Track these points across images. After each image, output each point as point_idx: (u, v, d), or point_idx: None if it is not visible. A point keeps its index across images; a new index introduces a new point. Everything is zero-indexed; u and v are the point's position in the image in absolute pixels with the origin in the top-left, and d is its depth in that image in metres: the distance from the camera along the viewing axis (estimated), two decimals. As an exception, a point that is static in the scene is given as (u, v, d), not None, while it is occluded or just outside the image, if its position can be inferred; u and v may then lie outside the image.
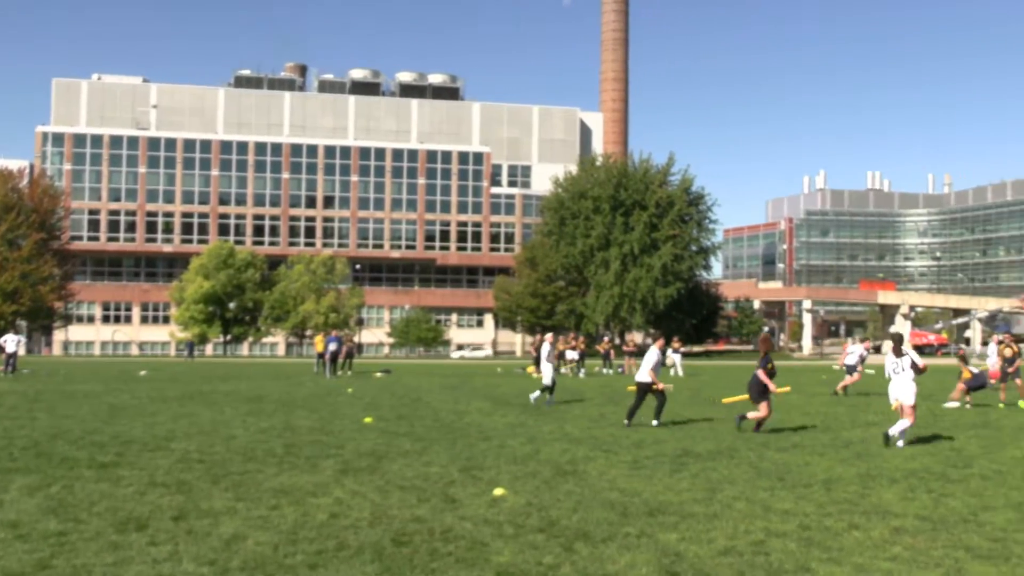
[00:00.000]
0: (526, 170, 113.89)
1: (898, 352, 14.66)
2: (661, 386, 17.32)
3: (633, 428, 16.78)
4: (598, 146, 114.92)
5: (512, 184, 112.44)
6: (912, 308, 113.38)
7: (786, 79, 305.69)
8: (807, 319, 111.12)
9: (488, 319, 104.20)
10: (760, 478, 11.10)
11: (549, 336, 24.59)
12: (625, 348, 44.82)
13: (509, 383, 32.51)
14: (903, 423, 14.14)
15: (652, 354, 17.16)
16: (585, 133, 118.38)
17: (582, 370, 39.91)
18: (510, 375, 39.66)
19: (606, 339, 46.83)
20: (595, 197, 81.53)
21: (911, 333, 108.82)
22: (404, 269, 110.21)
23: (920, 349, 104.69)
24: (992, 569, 6.98)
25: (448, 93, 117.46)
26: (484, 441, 14.64)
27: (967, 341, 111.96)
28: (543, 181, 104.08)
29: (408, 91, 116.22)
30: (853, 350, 28.59)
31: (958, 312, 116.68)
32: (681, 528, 8.30)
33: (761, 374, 15.72)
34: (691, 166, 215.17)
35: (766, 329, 23.56)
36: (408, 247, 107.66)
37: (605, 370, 41.89)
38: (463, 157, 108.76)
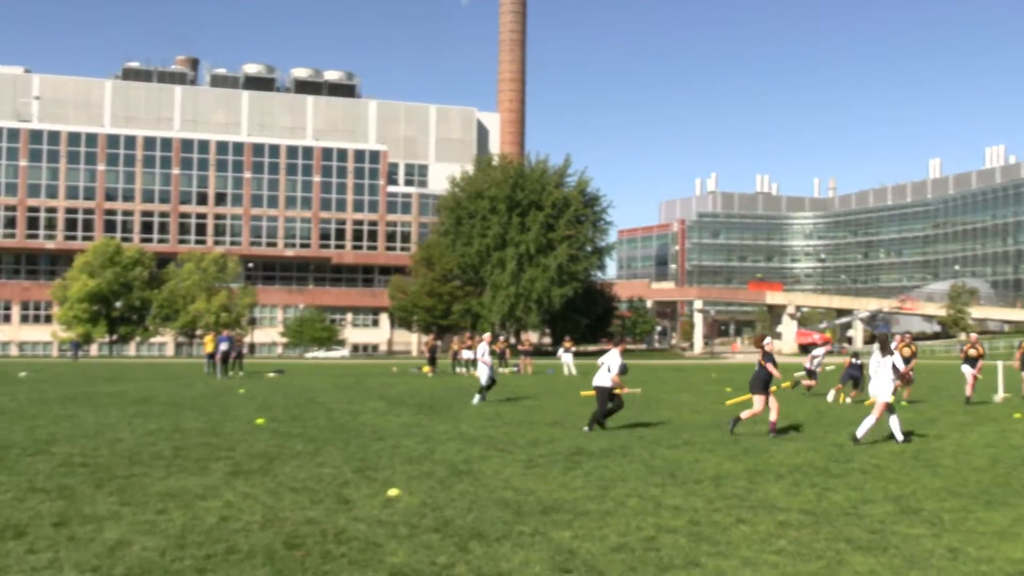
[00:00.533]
0: (423, 169, 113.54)
1: (884, 352, 15.08)
2: (627, 390, 17.25)
3: (529, 427, 16.86)
4: (495, 146, 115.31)
5: (409, 183, 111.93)
6: (798, 308, 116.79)
7: (679, 83, 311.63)
8: (698, 319, 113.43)
9: (384, 319, 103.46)
10: (652, 475, 11.28)
11: (487, 336, 24.61)
12: (520, 347, 45.03)
13: (404, 383, 32.36)
14: (869, 422, 14.58)
15: (615, 357, 16.41)
16: (482, 133, 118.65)
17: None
18: (405, 375, 39.48)
19: (501, 339, 46.99)
20: (492, 197, 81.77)
21: (797, 332, 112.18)
22: (298, 268, 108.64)
23: (805, 348, 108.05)
24: (871, 560, 7.23)
25: (344, 90, 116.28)
26: (378, 441, 14.54)
27: (849, 340, 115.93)
28: (440, 180, 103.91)
29: (303, 87, 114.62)
30: (817, 353, 28.74)
31: (841, 312, 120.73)
32: (574, 526, 8.38)
33: (770, 367, 15.71)
34: (588, 168, 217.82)
35: (761, 332, 23.71)
36: (303, 246, 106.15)
37: (500, 369, 42.01)
38: (359, 155, 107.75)
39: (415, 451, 13.39)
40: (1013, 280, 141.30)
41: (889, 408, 14.61)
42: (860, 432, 14.48)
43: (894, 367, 14.80)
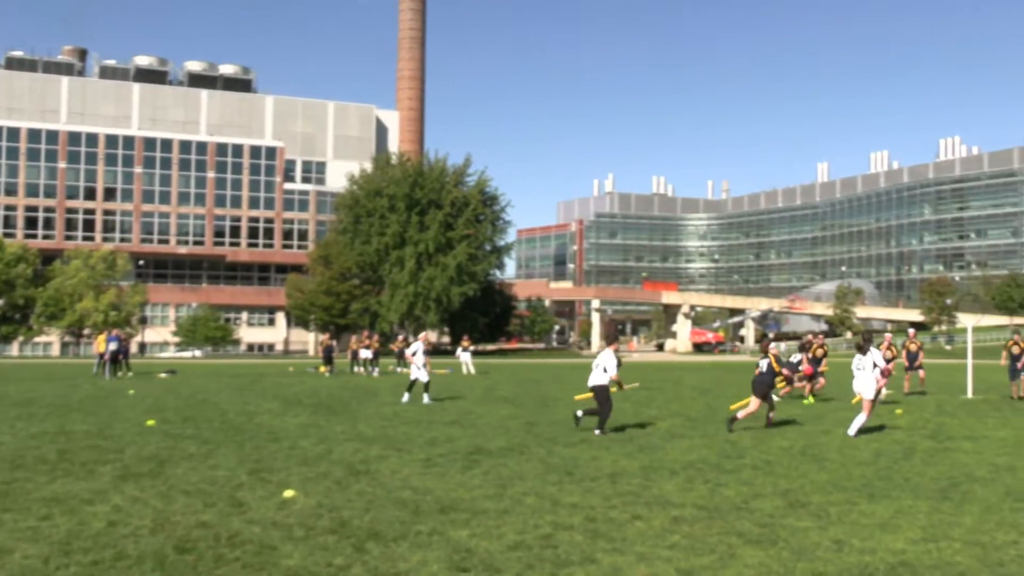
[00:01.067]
0: (320, 166, 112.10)
1: (863, 351, 15.83)
2: (627, 387, 17.30)
3: (427, 427, 16.82)
4: (394, 144, 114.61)
5: (306, 180, 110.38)
6: (693, 308, 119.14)
7: (577, 83, 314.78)
8: (596, 318, 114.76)
9: (280, 318, 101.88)
10: (549, 473, 11.37)
11: (423, 335, 24.23)
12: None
13: (301, 383, 31.92)
14: (861, 418, 15.40)
15: (611, 356, 16.20)
16: (381, 131, 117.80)
17: (376, 369, 39.69)
18: (302, 375, 38.96)
19: (400, 338, 46.72)
20: (391, 195, 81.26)
21: (691, 331, 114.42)
22: (191, 266, 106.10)
23: (699, 347, 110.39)
24: (761, 553, 7.43)
25: (240, 85, 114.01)
26: (274, 442, 14.31)
27: (741, 339, 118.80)
28: (338, 178, 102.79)
29: (197, 81, 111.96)
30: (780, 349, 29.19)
31: (734, 311, 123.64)
32: (472, 524, 8.40)
33: (782, 370, 16.40)
34: (487, 167, 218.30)
35: (771, 335, 23.43)
36: (196, 243, 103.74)
37: (400, 369, 41.80)
38: (255, 151, 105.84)
39: (312, 452, 13.23)
40: (895, 281, 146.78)
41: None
42: (852, 430, 15.21)
43: (875, 364, 15.65)
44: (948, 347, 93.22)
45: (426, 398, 22.43)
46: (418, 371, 22.46)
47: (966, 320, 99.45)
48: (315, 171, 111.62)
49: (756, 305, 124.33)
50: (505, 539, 7.86)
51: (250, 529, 8.17)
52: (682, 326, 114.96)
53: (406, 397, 22.64)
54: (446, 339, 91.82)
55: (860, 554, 7.38)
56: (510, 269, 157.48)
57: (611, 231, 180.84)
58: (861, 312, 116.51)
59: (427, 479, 10.91)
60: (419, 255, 79.76)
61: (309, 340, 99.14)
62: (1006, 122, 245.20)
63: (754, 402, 16.44)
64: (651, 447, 13.88)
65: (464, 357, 41.98)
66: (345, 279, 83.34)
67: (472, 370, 40.80)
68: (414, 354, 22.72)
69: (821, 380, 23.62)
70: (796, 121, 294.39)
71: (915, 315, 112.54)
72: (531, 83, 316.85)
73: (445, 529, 8.21)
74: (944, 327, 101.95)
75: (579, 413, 16.16)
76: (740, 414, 16.46)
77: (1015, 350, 23.29)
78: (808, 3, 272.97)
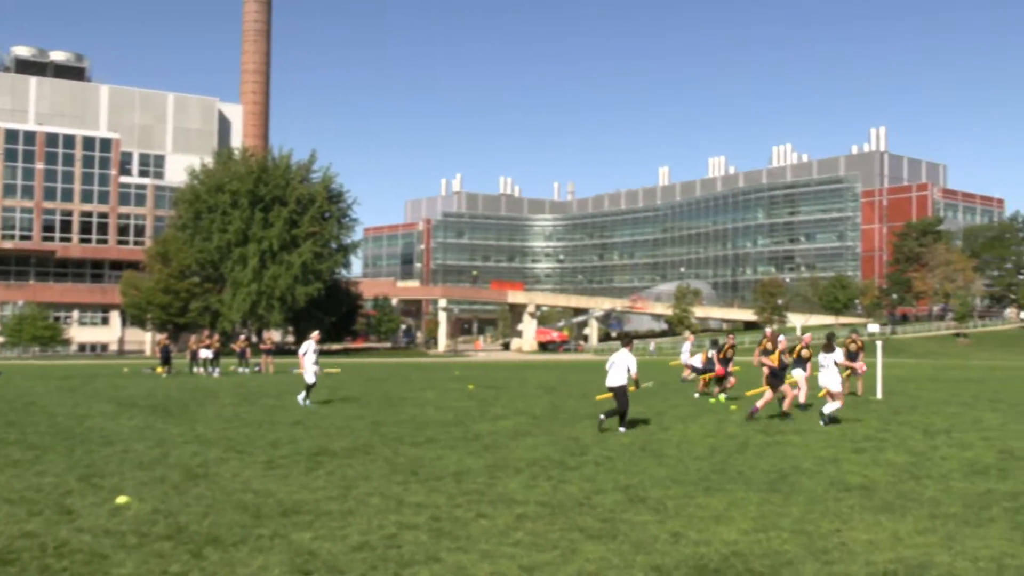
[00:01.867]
0: (159, 160, 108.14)
1: (829, 349, 17.49)
2: (643, 386, 17.71)
3: (270, 428, 16.47)
4: (237, 139, 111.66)
5: (144, 174, 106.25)
6: (538, 307, 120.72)
7: (425, 82, 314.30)
8: (443, 317, 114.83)
9: (115, 316, 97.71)
10: (395, 473, 11.32)
11: (315, 335, 23.15)
12: (262, 346, 43.82)
13: (136, 384, 30.72)
14: (834, 405, 17.04)
15: (629, 356, 16.48)
16: (224, 124, 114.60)
17: (216, 369, 38.60)
18: (138, 375, 37.51)
19: (242, 337, 45.57)
20: (233, 191, 79.12)
21: (537, 331, 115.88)
22: (18, 261, 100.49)
23: (544, 346, 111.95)
24: (602, 547, 7.59)
25: (72, 72, 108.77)
26: (107, 446, 13.73)
27: (585, 338, 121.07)
28: (178, 172, 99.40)
29: (25, 67, 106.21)
30: (685, 348, 29.59)
31: (578, 311, 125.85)
32: (315, 527, 8.27)
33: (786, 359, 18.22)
34: (332, 164, 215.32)
35: (769, 330, 23.00)
36: (23, 237, 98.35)
37: (241, 369, 40.77)
38: (88, 142, 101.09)
39: (147, 455, 12.76)
40: (731, 282, 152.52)
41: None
42: (824, 420, 16.95)
43: (836, 362, 17.44)
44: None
45: (302, 398, 21.68)
46: (307, 372, 21.70)
47: (795, 319, 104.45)
48: (153, 164, 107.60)
49: (599, 305, 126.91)
50: (349, 540, 7.77)
51: (79, 538, 7.82)
52: (528, 325, 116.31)
53: (302, 397, 21.90)
54: (290, 339, 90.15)
55: (696, 546, 7.63)
56: (356, 268, 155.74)
57: (458, 230, 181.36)
58: (699, 312, 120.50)
59: (269, 481, 10.68)
60: (263, 253, 77.99)
61: (146, 340, 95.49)
62: (833, 131, 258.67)
63: (769, 393, 18.59)
64: (496, 446, 13.99)
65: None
66: (184, 277, 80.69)
67: (318, 369, 40.12)
68: (304, 354, 21.98)
69: (731, 379, 23.73)
70: (639, 125, 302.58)
71: (749, 315, 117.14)
72: (380, 81, 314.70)
73: (287, 532, 8.06)
74: (775, 326, 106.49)
75: (602, 416, 16.20)
76: (759, 403, 18.09)
77: (852, 348, 24.50)
78: (650, 12, 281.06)
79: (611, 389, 16.47)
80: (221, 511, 8.94)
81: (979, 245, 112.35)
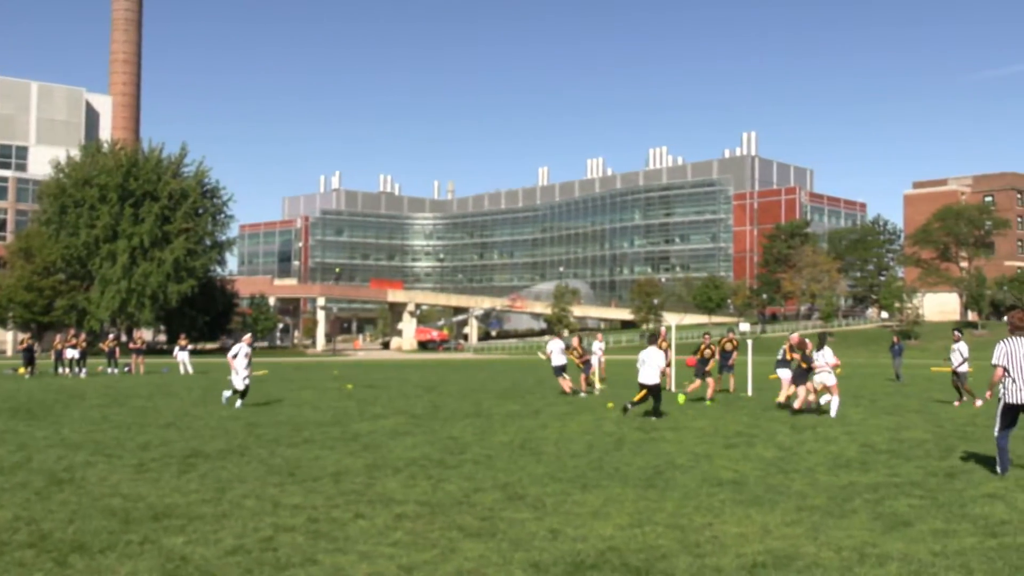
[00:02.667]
0: (21, 151, 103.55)
1: (821, 347, 18.77)
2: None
3: (140, 430, 15.97)
4: (106, 131, 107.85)
5: (4, 166, 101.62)
6: (418, 306, 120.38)
7: (303, 79, 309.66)
8: (321, 316, 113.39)
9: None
10: (271, 474, 11.12)
11: (247, 338, 22.00)
12: (132, 346, 42.37)
13: (-4, 385, 29.36)
14: (835, 400, 18.17)
15: (658, 353, 17.83)
16: (92, 116, 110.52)
17: (83, 369, 37.22)
18: (-2, 377, 35.85)
19: (111, 336, 44.03)
20: (101, 185, 76.41)
21: (416, 330, 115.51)
22: None
23: (424, 345, 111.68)
24: (481, 545, 7.61)
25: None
26: (-37, 451, 13.08)
27: (465, 337, 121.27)
28: (42, 164, 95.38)
29: None
30: (597, 348, 29.89)
31: (458, 310, 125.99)
32: (188, 531, 8.06)
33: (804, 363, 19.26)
34: (207, 158, 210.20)
35: (795, 336, 23.39)
36: None
37: (110, 369, 39.39)
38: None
39: (8, 460, 12.20)
40: (609, 281, 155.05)
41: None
42: (833, 411, 17.95)
43: (826, 360, 18.64)
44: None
45: (227, 396, 21.03)
46: (236, 376, 20.69)
47: (670, 318, 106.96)
48: (15, 156, 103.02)
49: (480, 304, 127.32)
50: (223, 544, 7.59)
51: (-67, 547, 7.43)
52: (407, 324, 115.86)
53: (227, 394, 21.28)
54: (162, 338, 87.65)
55: (573, 542, 7.73)
56: (232, 265, 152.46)
57: (337, 228, 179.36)
58: (577, 311, 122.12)
59: (139, 485, 10.36)
60: (133, 249, 75.59)
61: (7, 339, 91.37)
62: (707, 135, 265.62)
63: (790, 386, 20.20)
64: (375, 445, 13.88)
65: (182, 356, 40.28)
66: (49, 273, 77.57)
67: (190, 369, 39.21)
68: (235, 356, 21.03)
69: (710, 380, 22.97)
70: (519, 126, 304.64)
71: (626, 314, 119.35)
72: (258, 76, 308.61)
73: (158, 537, 7.82)
74: (651, 325, 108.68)
75: (628, 405, 18.09)
76: (796, 404, 18.88)
77: (728, 347, 25.22)
78: (530, 14, 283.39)
79: (645, 386, 17.81)
80: (87, 517, 8.62)
81: (843, 247, 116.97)
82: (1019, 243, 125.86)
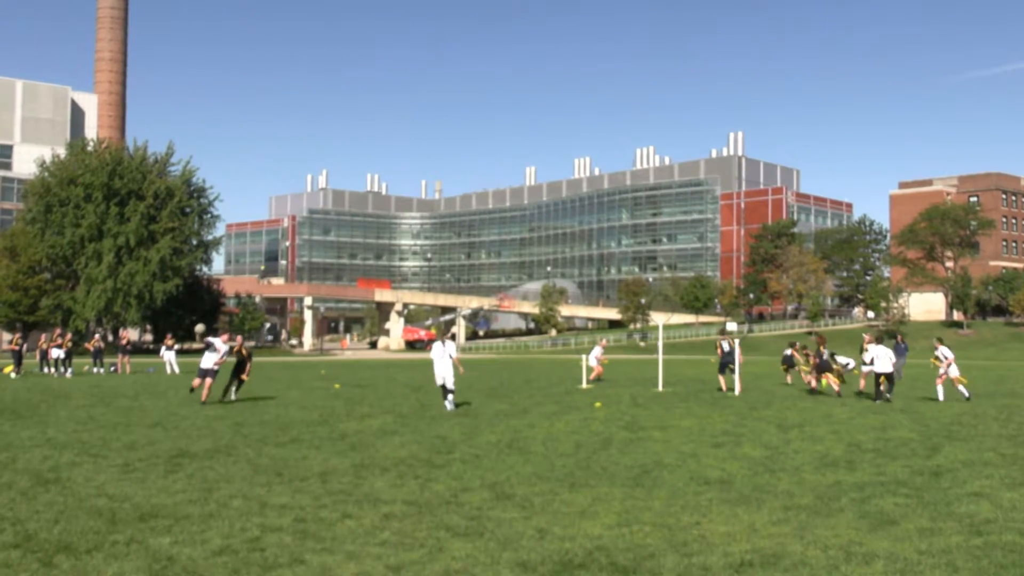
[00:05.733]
0: (6, 150, 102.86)
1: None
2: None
3: (126, 430, 15.90)
4: (92, 130, 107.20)
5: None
6: (406, 305, 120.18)
7: (289, 77, 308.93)
8: (308, 315, 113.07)
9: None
10: (258, 474, 11.09)
11: (224, 336, 22.15)
12: (120, 342, 42.10)
13: (-19, 385, 29.17)
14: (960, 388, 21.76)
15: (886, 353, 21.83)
16: (77, 114, 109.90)
17: (69, 369, 37.03)
18: (-17, 376, 35.60)
19: (97, 336, 43.78)
20: (87, 184, 75.95)
21: (404, 329, 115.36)
22: None
23: (412, 344, 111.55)
24: (469, 544, 7.61)
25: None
26: (-52, 451, 13.00)
27: (453, 337, 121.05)
28: (27, 163, 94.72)
29: None
30: (595, 352, 31.29)
31: (446, 309, 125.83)
32: (174, 531, 8.03)
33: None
34: (193, 157, 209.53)
35: (814, 336, 26.50)
36: None
37: (96, 369, 39.17)
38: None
39: (-8, 460, 12.14)
40: (596, 281, 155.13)
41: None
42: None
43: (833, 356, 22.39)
44: (642, 343, 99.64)
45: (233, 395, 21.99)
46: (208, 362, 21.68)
47: (658, 318, 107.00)
48: (0, 155, 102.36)
49: (467, 303, 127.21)
50: (210, 544, 7.57)
51: (-83, 548, 7.38)
52: (395, 324, 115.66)
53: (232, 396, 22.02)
54: (148, 337, 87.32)
55: (561, 541, 7.73)
56: (218, 264, 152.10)
57: (324, 228, 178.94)
58: (565, 311, 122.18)
59: (125, 485, 10.32)
60: (118, 248, 75.17)
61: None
62: (694, 135, 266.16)
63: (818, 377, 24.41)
64: (363, 445, 13.87)
65: (168, 356, 40.10)
66: (34, 273, 77.12)
67: (176, 369, 39.04)
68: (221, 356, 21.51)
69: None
70: (506, 125, 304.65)
71: (613, 314, 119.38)
72: (244, 75, 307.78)
73: (144, 537, 7.79)
74: (639, 324, 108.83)
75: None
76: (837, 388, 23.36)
77: (726, 346, 25.51)
78: (517, 14, 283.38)
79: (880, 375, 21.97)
80: (73, 517, 8.59)
81: (829, 247, 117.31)
82: (1004, 243, 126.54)
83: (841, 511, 8.95)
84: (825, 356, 24.44)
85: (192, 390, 22.87)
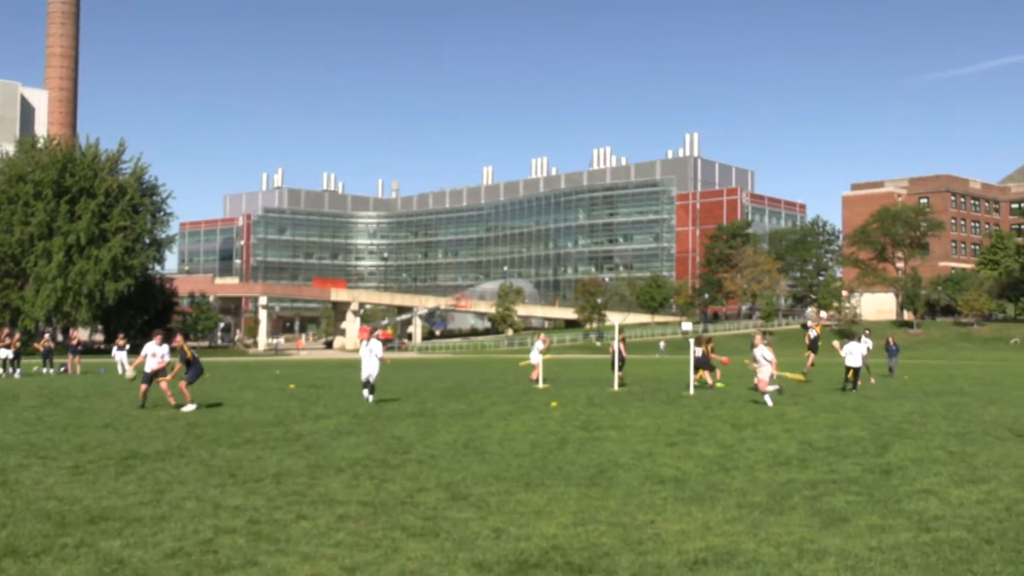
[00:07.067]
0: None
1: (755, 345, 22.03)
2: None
3: (76, 431, 15.67)
4: (42, 126, 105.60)
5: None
6: (362, 305, 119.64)
7: (244, 75, 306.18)
8: (263, 315, 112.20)
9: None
10: (211, 476, 10.97)
11: (167, 338, 21.58)
12: (70, 342, 41.44)
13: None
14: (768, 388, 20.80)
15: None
16: (27, 111, 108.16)
17: (18, 370, 36.37)
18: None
19: (46, 336, 43.07)
20: (36, 181, 74.76)
21: (360, 329, 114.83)
22: None
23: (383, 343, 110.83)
24: (424, 545, 7.59)
25: None
26: None
27: (409, 336, 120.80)
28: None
29: None
30: (537, 346, 31.57)
31: (402, 309, 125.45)
32: (125, 534, 7.92)
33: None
34: (145, 155, 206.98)
35: (812, 326, 29.26)
36: None
37: (45, 370, 38.54)
38: None
39: (-62, 463, 11.89)
40: (553, 281, 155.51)
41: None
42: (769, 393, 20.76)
43: (764, 356, 21.26)
44: (598, 343, 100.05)
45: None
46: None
47: (614, 318, 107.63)
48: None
49: (424, 303, 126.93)
50: (162, 547, 7.48)
51: None
52: (351, 324, 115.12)
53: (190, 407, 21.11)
54: (99, 337, 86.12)
55: (517, 541, 7.74)
56: (172, 263, 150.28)
57: (280, 227, 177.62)
58: (522, 310, 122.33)
59: (75, 487, 10.16)
60: (69, 247, 74.07)
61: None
62: (650, 136, 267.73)
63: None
64: (318, 445, 13.78)
65: (120, 356, 39.53)
66: (-19, 271, 75.76)
67: (129, 371, 38.47)
68: (154, 355, 20.96)
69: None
70: (463, 125, 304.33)
71: (570, 313, 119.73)
72: (198, 72, 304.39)
73: (95, 540, 7.68)
74: (595, 324, 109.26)
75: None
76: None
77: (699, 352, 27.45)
78: (475, 13, 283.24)
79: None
80: (21, 520, 8.44)
81: (783, 248, 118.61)
82: (953, 244, 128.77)
83: (793, 509, 9.05)
84: (699, 354, 27.20)
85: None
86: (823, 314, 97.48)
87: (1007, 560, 7.03)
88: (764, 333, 23.88)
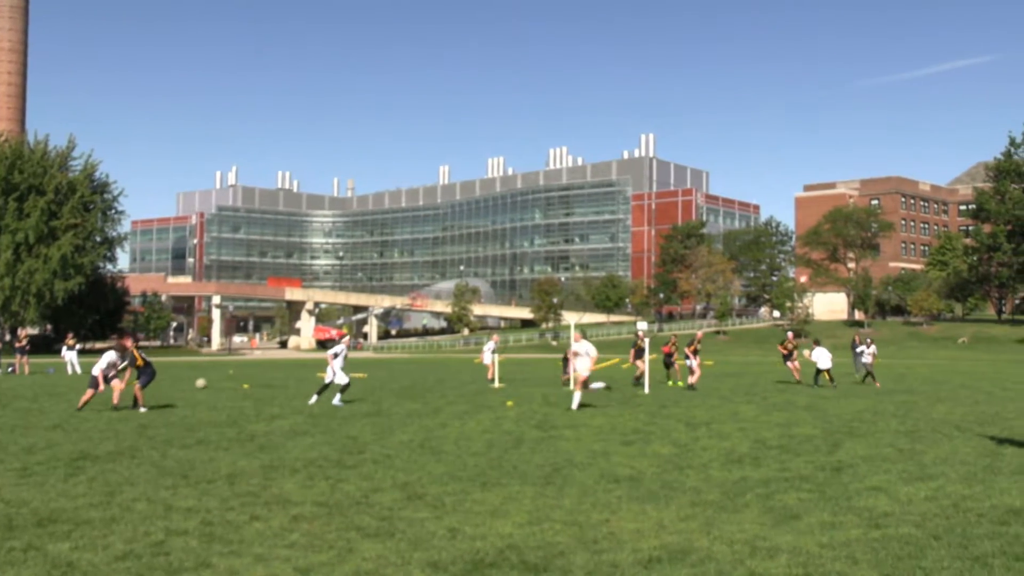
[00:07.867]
0: None
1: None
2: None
3: (24, 432, 15.40)
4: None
5: None
6: (317, 304, 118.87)
7: (196, 72, 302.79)
8: (216, 314, 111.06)
9: None
10: (163, 477, 10.85)
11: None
12: (17, 344, 40.78)
13: None
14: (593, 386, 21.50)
15: (827, 352, 26.41)
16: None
17: (-36, 370, 35.70)
18: None
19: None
20: (-17, 178, 73.44)
21: (315, 328, 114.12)
22: None
23: (323, 343, 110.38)
24: (379, 545, 7.56)
25: None
26: None
27: (365, 335, 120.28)
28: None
29: None
30: (489, 346, 32.06)
31: (358, 308, 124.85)
32: (75, 536, 7.80)
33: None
34: (96, 151, 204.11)
35: (790, 334, 28.78)
36: None
37: (-8, 370, 37.86)
38: None
39: None
40: (509, 280, 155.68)
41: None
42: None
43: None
44: (554, 343, 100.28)
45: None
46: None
47: (570, 317, 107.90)
48: None
49: (379, 302, 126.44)
50: (112, 549, 7.38)
51: None
52: (306, 323, 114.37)
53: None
54: (49, 328, 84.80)
55: (472, 540, 7.73)
56: (123, 262, 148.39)
57: (234, 225, 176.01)
58: (478, 310, 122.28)
59: (23, 490, 9.99)
60: (17, 245, 72.83)
61: None
62: (607, 136, 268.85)
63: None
64: (272, 446, 13.67)
65: (69, 356, 38.96)
66: (-73, 270, 74.19)
67: (78, 370, 37.96)
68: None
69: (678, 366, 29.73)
70: (419, 123, 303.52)
71: (526, 313, 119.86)
72: (151, 69, 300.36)
73: (43, 543, 7.56)
74: (551, 324, 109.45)
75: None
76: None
77: (640, 345, 27.56)
78: (431, 14, 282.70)
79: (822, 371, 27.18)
80: (-33, 523, 8.28)
81: (737, 248, 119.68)
82: (903, 245, 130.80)
83: (746, 506, 9.14)
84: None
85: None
86: (776, 312, 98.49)
87: (954, 556, 7.15)
88: (583, 331, 22.55)
